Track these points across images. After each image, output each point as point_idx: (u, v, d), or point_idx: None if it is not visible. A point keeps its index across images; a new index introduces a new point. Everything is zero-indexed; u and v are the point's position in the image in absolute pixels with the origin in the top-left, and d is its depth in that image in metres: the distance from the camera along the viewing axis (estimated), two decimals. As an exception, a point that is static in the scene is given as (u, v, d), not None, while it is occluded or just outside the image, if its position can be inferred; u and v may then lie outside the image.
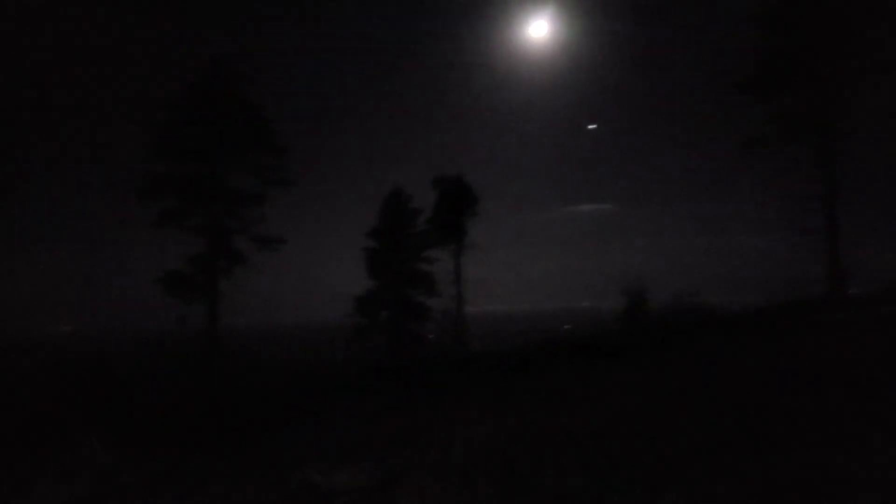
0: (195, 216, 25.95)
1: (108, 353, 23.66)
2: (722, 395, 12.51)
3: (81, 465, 13.59)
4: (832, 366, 13.26)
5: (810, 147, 25.18)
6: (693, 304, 23.04)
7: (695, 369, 15.43)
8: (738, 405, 11.48)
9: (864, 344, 15.12)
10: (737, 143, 26.88)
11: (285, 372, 25.17)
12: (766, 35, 25.71)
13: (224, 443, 14.91)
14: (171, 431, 15.91)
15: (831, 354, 14.39)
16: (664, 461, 10.28)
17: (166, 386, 22.81)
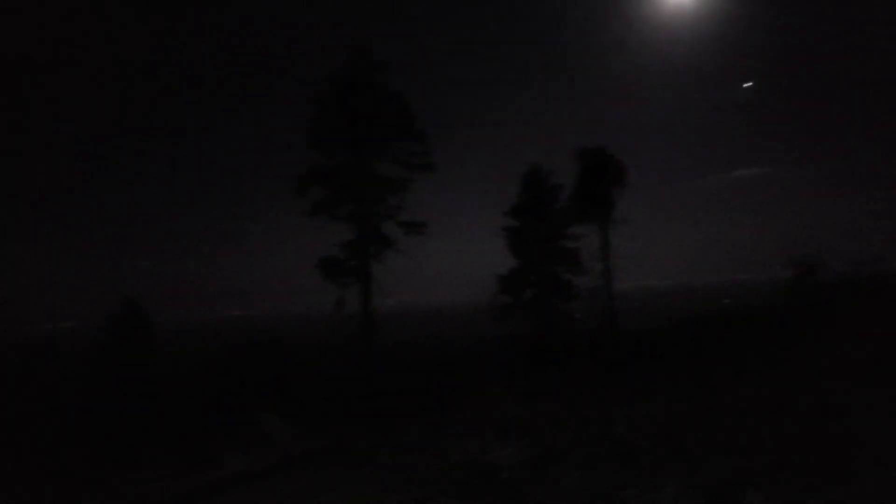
0: (345, 205, 27.24)
1: (277, 334, 25.57)
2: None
3: (262, 437, 14.85)
4: None
5: None
6: (877, 271, 20.53)
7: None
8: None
9: None
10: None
11: (436, 352, 25.84)
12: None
13: (386, 419, 15.58)
14: (337, 408, 16.87)
15: None
16: (857, 443, 9.31)
17: (329, 365, 24.24)
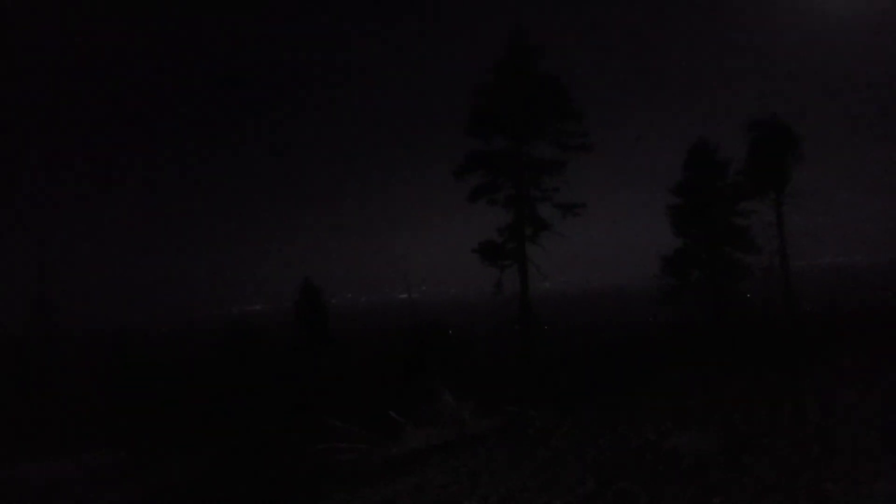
0: (503, 189, 27.69)
1: (441, 317, 26.64)
2: None
3: (438, 415, 15.61)
4: None
5: None
6: None
7: None
8: None
9: None
10: None
11: (599, 334, 25.54)
12: None
13: (557, 401, 15.72)
14: (506, 388, 17.27)
15: None
16: None
17: (492, 346, 24.83)
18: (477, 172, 27.32)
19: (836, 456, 9.24)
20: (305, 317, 29.40)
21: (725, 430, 10.89)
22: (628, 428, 12.10)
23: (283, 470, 14.54)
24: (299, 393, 21.36)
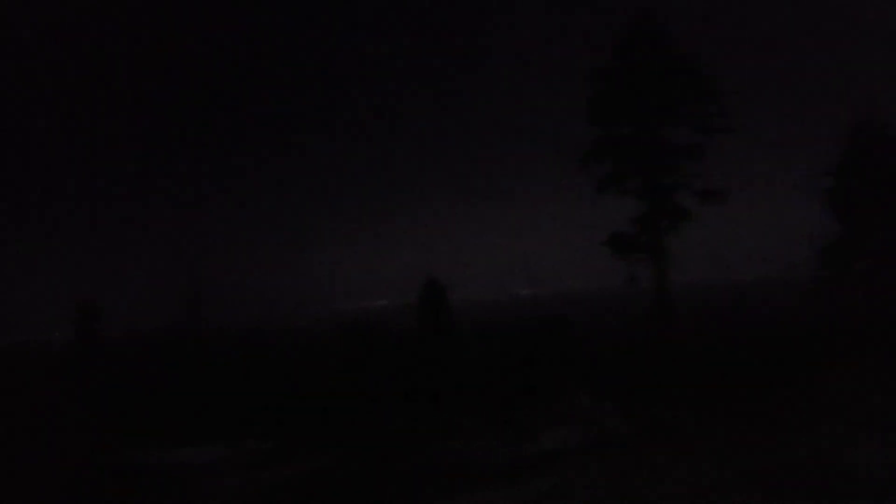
0: (634, 177, 26.11)
1: (565, 312, 25.65)
2: None
3: (573, 414, 14.84)
4: None
5: None
6: None
7: None
8: None
9: None
10: None
11: (745, 329, 23.52)
12: None
13: (704, 401, 14.46)
14: (645, 387, 16.16)
15: None
16: None
17: (626, 343, 23.55)
18: (604, 161, 25.98)
19: None
20: (429, 313, 29.52)
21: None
22: (792, 435, 10.74)
23: (415, 464, 14.38)
24: (426, 388, 21.32)
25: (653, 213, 25.78)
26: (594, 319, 31.04)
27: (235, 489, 13.84)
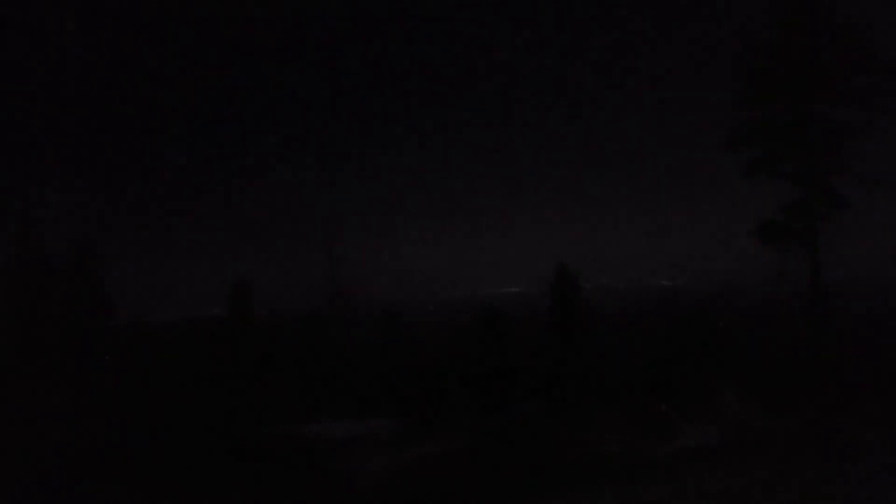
0: (788, 161, 24.03)
1: (713, 305, 24.28)
2: None
3: (717, 412, 14.12)
4: None
5: None
6: None
7: None
8: None
9: None
10: None
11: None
12: None
13: (860, 407, 13.21)
14: (794, 385, 15.03)
15: None
16: None
17: (773, 339, 21.99)
18: (756, 144, 24.11)
19: None
20: (560, 301, 29.12)
21: None
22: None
23: (547, 455, 14.32)
24: (558, 377, 21.11)
25: (808, 199, 23.66)
26: (738, 312, 29.21)
27: (381, 465, 14.49)
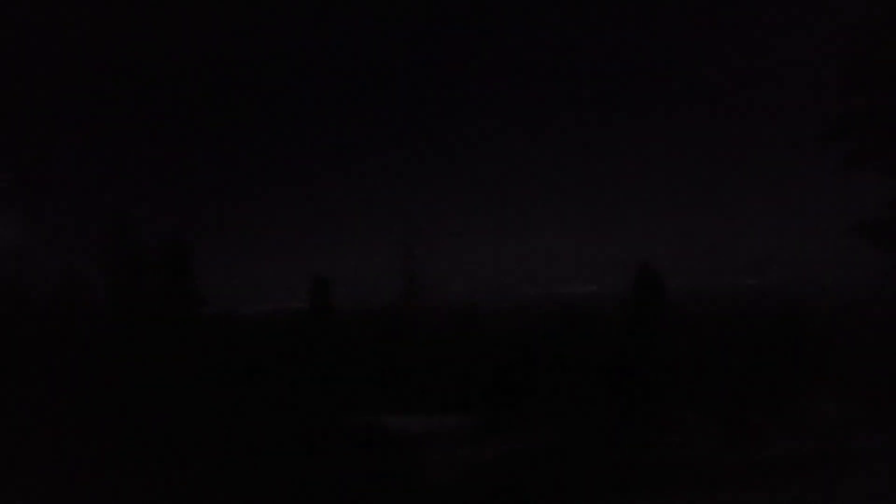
0: (893, 152, 22.39)
1: (806, 306, 22.96)
2: None
3: (811, 421, 13.30)
4: None
5: None
6: None
7: None
8: None
9: None
10: None
11: None
12: None
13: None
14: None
15: None
16: None
17: (873, 346, 20.53)
18: (854, 134, 22.57)
19: None
20: (641, 300, 28.24)
21: None
22: None
23: (627, 457, 13.92)
24: (636, 378, 20.49)
25: (916, 195, 21.97)
26: (834, 314, 27.50)
27: (458, 461, 14.52)
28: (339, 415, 19.81)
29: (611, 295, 32.26)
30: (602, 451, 14.63)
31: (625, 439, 15.04)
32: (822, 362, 17.01)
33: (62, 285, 25.39)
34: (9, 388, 19.31)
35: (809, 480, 10.53)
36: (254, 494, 13.84)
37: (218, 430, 19.57)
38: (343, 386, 23.74)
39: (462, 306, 30.03)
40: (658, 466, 13.04)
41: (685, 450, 13.49)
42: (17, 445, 16.77)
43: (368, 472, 15.10)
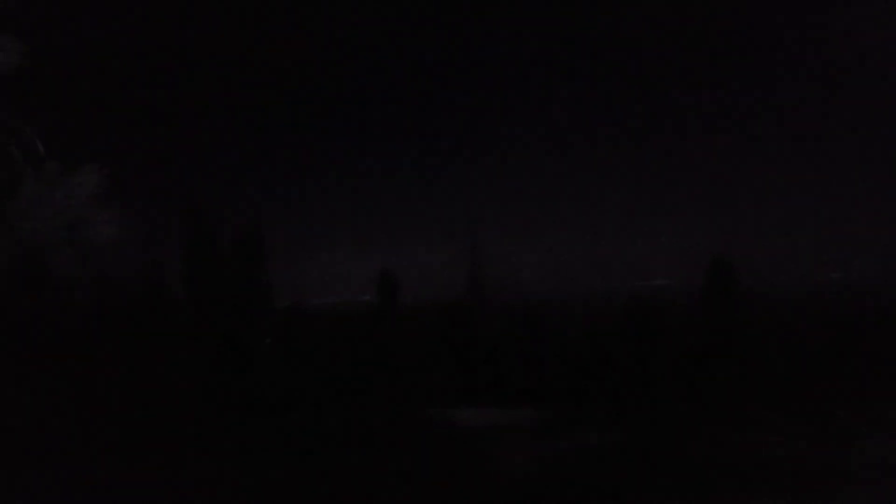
0: None
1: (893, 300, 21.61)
2: None
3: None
4: None
5: None
6: None
7: None
8: None
9: None
10: None
11: None
12: None
13: None
14: None
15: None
16: None
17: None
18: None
19: None
20: (715, 295, 27.24)
21: None
22: None
23: (702, 456, 13.41)
24: (711, 373, 19.80)
25: None
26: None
27: (526, 455, 14.36)
28: (408, 408, 19.99)
29: (684, 288, 31.26)
30: (678, 448, 14.17)
31: (702, 437, 14.51)
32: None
33: (144, 277, 26.46)
34: (96, 378, 20.34)
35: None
36: (326, 486, 14.09)
37: (290, 421, 20.07)
38: (412, 379, 23.95)
39: (531, 299, 29.80)
40: (738, 466, 12.51)
41: (767, 449, 12.91)
42: (102, 431, 17.62)
43: (438, 464, 15.13)
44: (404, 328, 29.14)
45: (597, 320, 29.72)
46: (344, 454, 16.21)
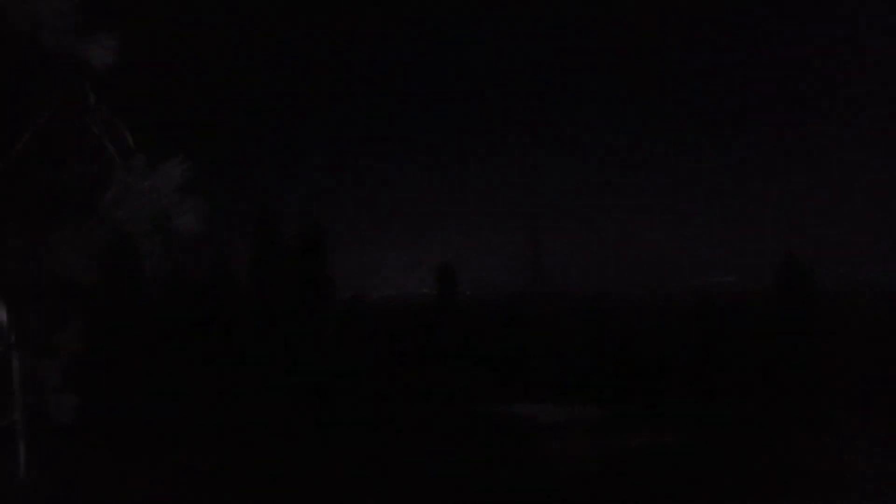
0: None
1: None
2: None
3: None
4: None
5: None
6: None
7: None
8: None
9: None
10: None
11: None
12: None
13: None
14: None
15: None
16: None
17: None
18: None
19: None
20: (787, 293, 26.29)
21: None
22: None
23: (774, 460, 13.03)
24: (784, 374, 19.17)
25: None
26: None
27: (588, 452, 14.27)
28: (469, 403, 20.07)
29: (752, 286, 30.27)
30: (745, 449, 13.81)
31: (770, 439, 14.10)
32: None
33: (214, 269, 27.32)
34: (165, 368, 21.09)
35: None
36: (386, 480, 14.29)
37: (351, 413, 20.43)
38: (473, 374, 24.02)
39: (592, 295, 29.44)
40: (808, 470, 12.11)
41: (841, 453, 12.44)
42: (172, 420, 18.30)
43: (498, 460, 15.17)
44: (463, 321, 29.22)
45: (662, 316, 29.11)
46: (404, 445, 16.41)
